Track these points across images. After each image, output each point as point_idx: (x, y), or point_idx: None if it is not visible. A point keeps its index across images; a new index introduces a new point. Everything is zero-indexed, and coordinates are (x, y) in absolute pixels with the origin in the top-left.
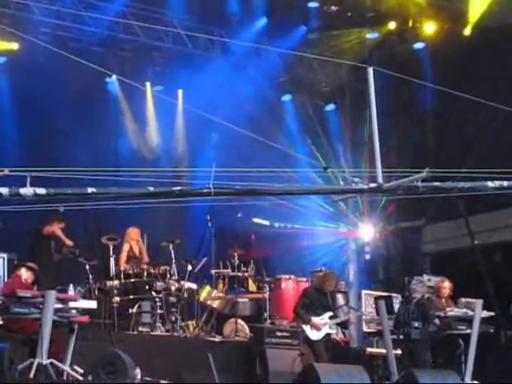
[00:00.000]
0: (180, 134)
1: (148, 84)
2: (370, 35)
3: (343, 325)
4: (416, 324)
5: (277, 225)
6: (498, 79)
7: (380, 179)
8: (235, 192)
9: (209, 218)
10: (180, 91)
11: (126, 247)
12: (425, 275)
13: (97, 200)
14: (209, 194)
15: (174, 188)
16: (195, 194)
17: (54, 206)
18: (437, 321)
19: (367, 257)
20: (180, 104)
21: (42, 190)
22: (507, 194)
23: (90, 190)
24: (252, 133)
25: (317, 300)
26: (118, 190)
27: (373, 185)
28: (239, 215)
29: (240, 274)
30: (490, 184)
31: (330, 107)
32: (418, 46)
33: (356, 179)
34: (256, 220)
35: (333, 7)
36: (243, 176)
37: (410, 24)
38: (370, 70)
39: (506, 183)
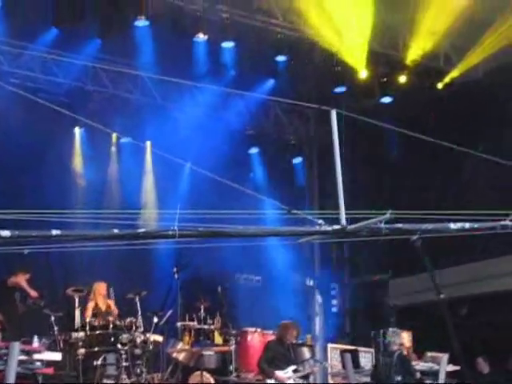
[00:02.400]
0: (148, 183)
1: (115, 135)
2: (337, 89)
3: (308, 378)
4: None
5: (243, 276)
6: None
7: (343, 221)
8: (200, 234)
9: (175, 270)
10: (148, 142)
11: (90, 304)
12: (390, 329)
13: (61, 242)
14: (173, 236)
15: (139, 230)
16: (160, 236)
17: (19, 248)
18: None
19: (334, 310)
20: (148, 154)
21: (6, 233)
22: (473, 250)
23: (54, 232)
24: (220, 182)
25: (280, 353)
26: (83, 232)
27: (336, 227)
28: (205, 268)
29: (206, 326)
30: (452, 226)
31: (298, 160)
32: (386, 100)
33: (320, 221)
34: (223, 272)
35: (300, 61)
36: (209, 218)
37: (379, 78)
38: (333, 112)
39: (467, 225)
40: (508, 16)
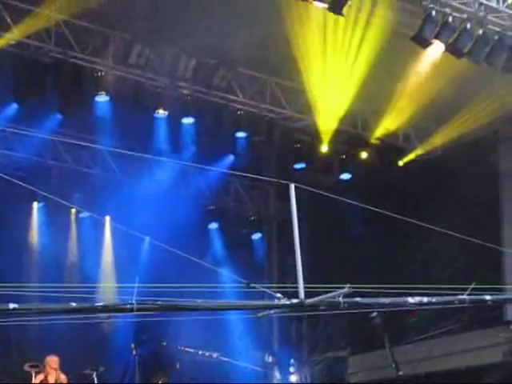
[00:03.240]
0: (107, 257)
1: (74, 210)
2: (297, 165)
3: None
4: None
5: (201, 352)
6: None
7: (302, 295)
8: (158, 307)
9: (133, 346)
10: (107, 217)
11: (39, 377)
12: None
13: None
14: (131, 309)
15: (97, 304)
16: (118, 309)
17: None
18: None
19: None
20: (107, 229)
21: None
22: (432, 327)
23: (11, 305)
24: (179, 256)
25: None
26: (41, 306)
27: (295, 300)
28: (164, 343)
29: None
30: (411, 300)
31: (257, 236)
32: (345, 176)
33: (278, 295)
34: (181, 348)
35: (260, 138)
36: (168, 292)
37: (338, 155)
38: (292, 186)
39: (425, 299)
40: (475, 103)
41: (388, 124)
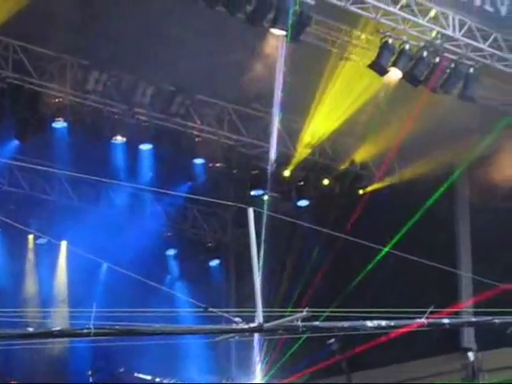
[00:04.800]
0: (63, 282)
1: (31, 236)
2: (255, 192)
3: None
4: None
5: (158, 379)
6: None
7: (260, 319)
8: (116, 332)
9: (90, 373)
10: (64, 242)
11: None
12: None
13: None
14: (88, 334)
15: (54, 328)
16: (75, 334)
17: None
18: None
19: None
20: (63, 254)
21: None
22: (393, 351)
23: None
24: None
25: None
26: None
27: (253, 324)
28: (121, 370)
29: None
30: (369, 324)
31: (215, 262)
32: (302, 203)
33: (237, 319)
34: (138, 375)
35: (218, 164)
36: (125, 316)
37: (296, 181)
38: (250, 210)
39: (383, 323)
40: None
41: (344, 151)
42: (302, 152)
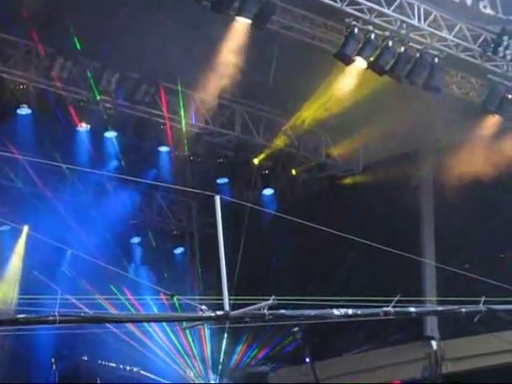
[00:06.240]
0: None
1: None
2: (220, 180)
3: None
4: None
5: (122, 367)
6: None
7: (227, 307)
8: (81, 319)
9: (53, 360)
10: (25, 227)
11: None
12: None
13: None
14: (54, 321)
15: (19, 316)
16: (40, 321)
17: None
18: None
19: None
20: (22, 239)
21: None
22: (354, 341)
23: None
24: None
25: None
26: None
27: (220, 312)
28: (85, 358)
29: None
30: (336, 312)
31: (179, 250)
32: (267, 191)
33: (203, 307)
34: (102, 362)
35: (183, 152)
36: (91, 303)
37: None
38: (217, 198)
39: (350, 311)
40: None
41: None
42: (277, 143)
